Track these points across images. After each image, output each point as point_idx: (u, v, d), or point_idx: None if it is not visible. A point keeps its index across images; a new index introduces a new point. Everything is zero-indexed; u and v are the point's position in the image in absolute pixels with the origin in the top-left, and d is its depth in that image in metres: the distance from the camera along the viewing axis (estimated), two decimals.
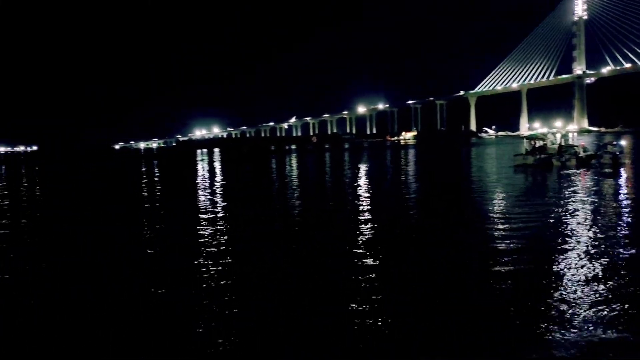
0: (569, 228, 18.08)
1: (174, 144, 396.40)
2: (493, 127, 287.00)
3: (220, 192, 35.93)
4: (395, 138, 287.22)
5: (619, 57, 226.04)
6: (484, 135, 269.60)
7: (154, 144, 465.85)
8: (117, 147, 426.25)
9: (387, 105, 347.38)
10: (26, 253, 17.53)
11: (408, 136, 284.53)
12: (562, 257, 14.12)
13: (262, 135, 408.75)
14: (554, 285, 11.74)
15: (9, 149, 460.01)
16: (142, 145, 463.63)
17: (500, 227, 18.69)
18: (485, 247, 15.68)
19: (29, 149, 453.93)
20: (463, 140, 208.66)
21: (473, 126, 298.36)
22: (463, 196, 29.65)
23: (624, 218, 19.93)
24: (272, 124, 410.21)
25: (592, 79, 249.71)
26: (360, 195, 30.72)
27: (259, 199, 32.16)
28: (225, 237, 18.78)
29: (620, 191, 28.84)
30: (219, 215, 24.15)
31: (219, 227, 20.82)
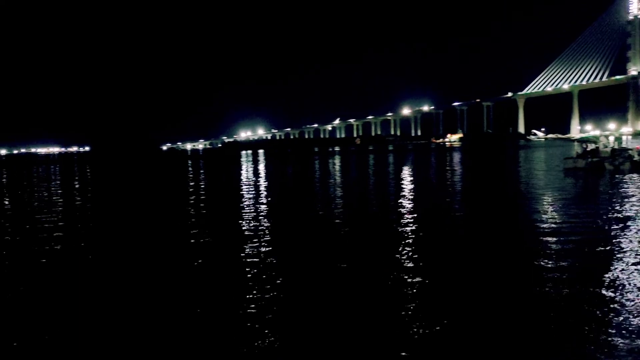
0: (620, 235, 17.35)
1: (219, 145, 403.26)
2: (542, 129, 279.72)
3: (264, 194, 36.21)
4: (441, 140, 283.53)
5: None
6: (532, 137, 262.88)
7: (200, 145, 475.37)
8: (164, 148, 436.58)
9: (432, 107, 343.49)
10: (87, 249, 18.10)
11: (453, 138, 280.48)
12: (614, 265, 13.55)
13: (306, 136, 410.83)
14: (604, 294, 11.27)
15: (63, 149, 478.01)
16: (188, 146, 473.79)
17: (548, 232, 18.10)
18: (532, 254, 15.20)
19: (81, 149, 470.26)
20: (511, 142, 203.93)
21: (521, 128, 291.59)
22: (511, 201, 28.89)
23: None
24: (315, 125, 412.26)
25: None
26: (404, 200, 30.35)
27: (302, 200, 32.22)
28: (267, 239, 18.88)
29: None
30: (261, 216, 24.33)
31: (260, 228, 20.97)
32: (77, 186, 50.80)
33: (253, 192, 37.55)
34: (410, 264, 14.39)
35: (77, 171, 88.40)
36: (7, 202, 37.19)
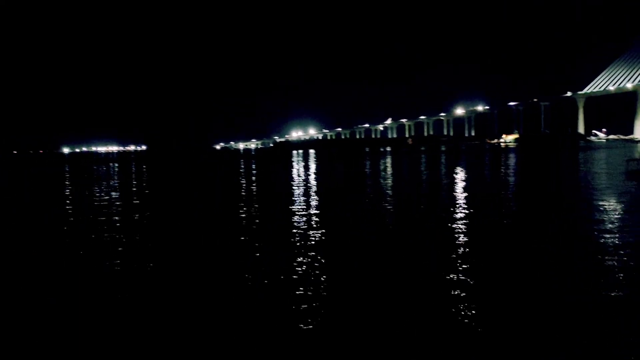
0: None
1: (271, 144, 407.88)
2: (603, 130, 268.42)
3: (315, 192, 36.17)
4: (495, 140, 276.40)
5: None
6: (593, 138, 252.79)
7: (252, 144, 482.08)
8: (218, 147, 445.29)
9: (487, 107, 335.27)
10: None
11: (509, 139, 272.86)
12: None
13: (357, 136, 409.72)
14: None
15: (120, 148, 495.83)
16: (241, 145, 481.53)
17: (608, 238, 17.20)
18: (591, 261, 14.46)
19: (138, 148, 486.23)
20: (570, 143, 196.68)
21: (581, 129, 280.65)
22: (569, 204, 27.73)
23: None
24: (367, 125, 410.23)
25: None
26: (456, 200, 29.62)
27: (352, 199, 31.96)
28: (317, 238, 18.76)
29: None
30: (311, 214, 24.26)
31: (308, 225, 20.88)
32: (133, 182, 52.33)
33: (302, 189, 37.57)
34: (458, 267, 13.94)
35: (134, 168, 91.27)
36: (68, 197, 38.67)
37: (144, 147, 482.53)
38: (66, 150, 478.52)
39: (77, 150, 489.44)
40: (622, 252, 15.26)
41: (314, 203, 30.13)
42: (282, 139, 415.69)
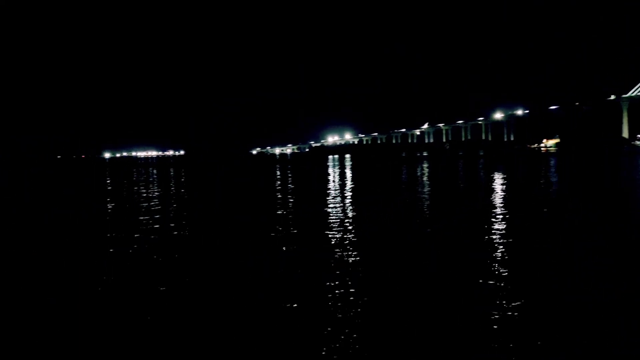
0: None
1: (307, 149, 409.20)
2: None
3: (349, 197, 35.74)
4: (536, 145, 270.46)
5: None
6: (638, 143, 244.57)
7: (288, 149, 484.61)
8: (254, 152, 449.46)
9: (526, 111, 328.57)
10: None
11: (549, 144, 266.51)
12: None
13: (393, 141, 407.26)
14: None
15: (159, 153, 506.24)
16: (277, 150, 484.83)
17: None
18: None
19: (177, 153, 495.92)
20: (613, 148, 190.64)
21: (625, 133, 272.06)
22: (615, 214, 26.51)
23: None
24: (403, 130, 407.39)
25: None
26: (497, 208, 28.72)
27: (387, 205, 31.38)
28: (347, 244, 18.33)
29: None
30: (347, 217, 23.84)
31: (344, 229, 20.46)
32: (171, 185, 52.94)
33: (338, 193, 37.19)
34: (499, 278, 13.29)
35: (173, 172, 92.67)
36: (108, 199, 39.31)
37: (182, 152, 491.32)
38: (107, 155, 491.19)
39: (117, 155, 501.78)
40: None
41: (347, 209, 29.67)
42: (318, 144, 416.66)
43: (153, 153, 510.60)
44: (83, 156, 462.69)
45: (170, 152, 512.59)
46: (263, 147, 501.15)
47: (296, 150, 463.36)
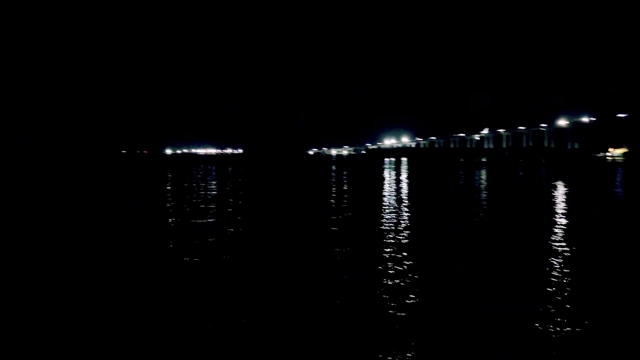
0: None
1: (363, 152, 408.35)
2: None
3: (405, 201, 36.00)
4: (602, 154, 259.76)
5: None
6: None
7: (345, 151, 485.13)
8: (311, 152, 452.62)
9: (592, 118, 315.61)
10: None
11: (616, 153, 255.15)
12: None
13: (451, 146, 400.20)
14: None
15: (218, 150, 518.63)
16: (333, 152, 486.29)
17: None
18: None
19: (235, 151, 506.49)
20: None
21: None
22: None
23: None
24: (462, 134, 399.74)
25: None
26: (556, 224, 28.37)
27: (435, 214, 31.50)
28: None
29: None
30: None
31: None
32: (228, 182, 54.65)
33: (392, 198, 37.51)
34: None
35: (231, 169, 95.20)
36: (168, 192, 41.19)
37: (240, 151, 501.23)
38: (168, 151, 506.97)
39: (178, 151, 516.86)
40: None
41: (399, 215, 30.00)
42: (374, 146, 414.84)
43: (212, 150, 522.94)
44: (145, 152, 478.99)
45: (229, 150, 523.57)
46: (320, 147, 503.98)
47: (352, 152, 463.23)
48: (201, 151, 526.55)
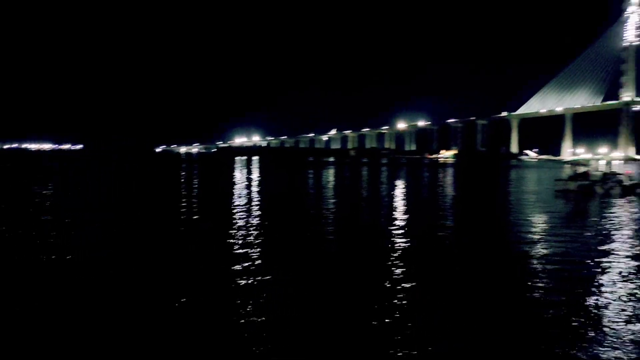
0: (603, 256, 17.98)
1: (214, 150, 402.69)
2: (535, 150, 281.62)
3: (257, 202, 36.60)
4: (435, 156, 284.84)
5: None
6: (524, 158, 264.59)
7: (195, 149, 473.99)
8: (158, 150, 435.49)
9: (428, 123, 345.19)
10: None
11: (447, 155, 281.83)
12: (590, 283, 14.15)
13: (301, 145, 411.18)
14: (578, 308, 11.83)
15: (55, 146, 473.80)
16: (182, 149, 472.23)
17: (533, 252, 18.68)
18: (516, 270, 15.77)
19: (73, 147, 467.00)
20: (503, 161, 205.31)
21: (514, 148, 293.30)
22: (500, 219, 29.49)
23: None
24: (311, 135, 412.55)
25: None
26: (395, 216, 30.87)
27: (290, 211, 32.68)
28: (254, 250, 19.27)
29: None
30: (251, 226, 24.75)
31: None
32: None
33: (244, 200, 37.95)
34: (396, 279, 14.88)
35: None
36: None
37: (80, 147, 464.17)
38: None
39: (5, 146, 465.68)
40: (542, 266, 16.64)
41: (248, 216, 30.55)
42: (226, 145, 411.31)
43: (46, 146, 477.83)
44: None
45: (67, 146, 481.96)
46: (168, 145, 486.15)
47: (203, 150, 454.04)
48: (34, 146, 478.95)
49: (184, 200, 36.76)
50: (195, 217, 27.58)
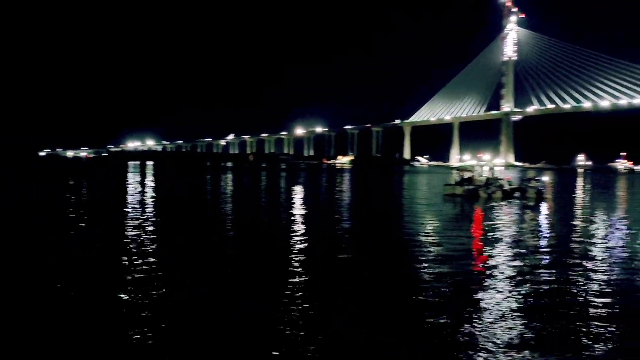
0: (487, 253, 19.16)
1: (104, 154, 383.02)
2: (426, 156, 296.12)
3: (153, 210, 35.21)
4: (332, 161, 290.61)
5: (543, 98, 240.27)
6: (416, 163, 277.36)
7: (83, 152, 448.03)
8: (43, 154, 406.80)
9: (325, 129, 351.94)
10: None
11: (344, 160, 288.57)
12: (474, 278, 14.96)
13: (198, 150, 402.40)
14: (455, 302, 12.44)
15: None
16: (70, 153, 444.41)
17: (422, 251, 19.47)
18: (408, 270, 16.31)
19: None
20: (397, 167, 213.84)
21: (407, 154, 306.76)
22: (393, 222, 30.51)
23: (543, 245, 21.40)
24: (209, 139, 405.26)
25: (519, 116, 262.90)
26: (294, 220, 30.98)
27: (192, 215, 31.81)
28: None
29: (541, 222, 30.68)
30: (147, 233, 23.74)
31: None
32: None
33: (138, 208, 36.40)
34: (295, 281, 14.85)
35: None
36: None
37: None
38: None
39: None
40: (431, 262, 17.36)
41: (145, 224, 29.43)
42: (117, 149, 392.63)
43: None
44: None
45: None
46: (53, 149, 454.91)
47: (92, 154, 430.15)
48: None
49: (66, 206, 34.47)
50: (81, 224, 25.93)
